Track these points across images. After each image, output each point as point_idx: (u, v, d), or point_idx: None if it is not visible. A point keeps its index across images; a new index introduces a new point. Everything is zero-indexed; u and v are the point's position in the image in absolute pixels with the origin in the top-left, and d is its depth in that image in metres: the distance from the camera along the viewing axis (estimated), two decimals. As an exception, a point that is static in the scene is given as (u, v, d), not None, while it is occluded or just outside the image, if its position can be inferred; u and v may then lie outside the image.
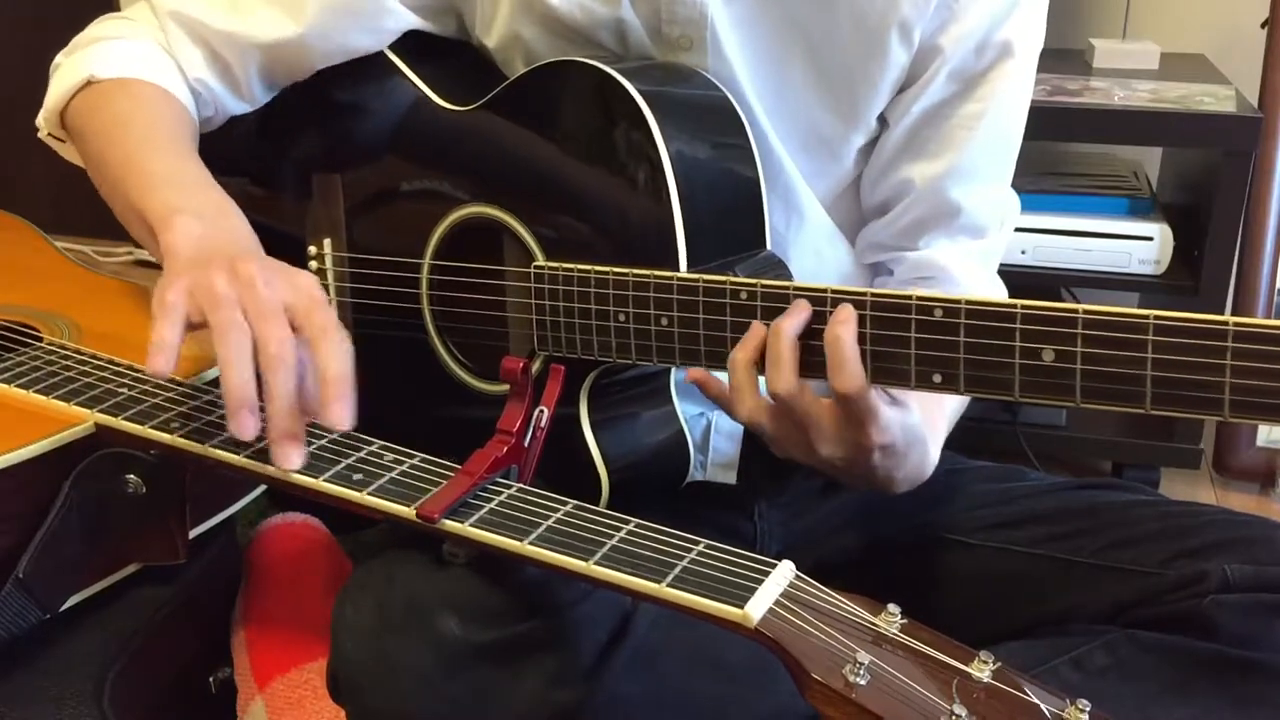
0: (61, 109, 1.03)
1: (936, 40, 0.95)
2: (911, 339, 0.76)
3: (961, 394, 0.76)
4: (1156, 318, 0.68)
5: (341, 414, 0.76)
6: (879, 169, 1.02)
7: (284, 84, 1.07)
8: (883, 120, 1.01)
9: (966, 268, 1.02)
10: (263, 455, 0.80)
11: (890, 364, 0.77)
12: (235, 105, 1.07)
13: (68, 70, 1.03)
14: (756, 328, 0.81)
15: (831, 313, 0.78)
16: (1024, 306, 0.73)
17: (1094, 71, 1.76)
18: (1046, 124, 1.54)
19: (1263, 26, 1.70)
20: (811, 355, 0.79)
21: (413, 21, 1.02)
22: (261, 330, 0.77)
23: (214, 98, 1.06)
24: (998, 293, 1.06)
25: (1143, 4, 1.89)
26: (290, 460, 0.77)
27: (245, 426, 0.76)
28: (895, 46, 0.95)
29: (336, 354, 0.77)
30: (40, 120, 1.05)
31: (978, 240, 1.03)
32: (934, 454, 0.89)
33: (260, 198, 1.13)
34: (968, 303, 0.74)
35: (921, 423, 0.84)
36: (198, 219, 0.87)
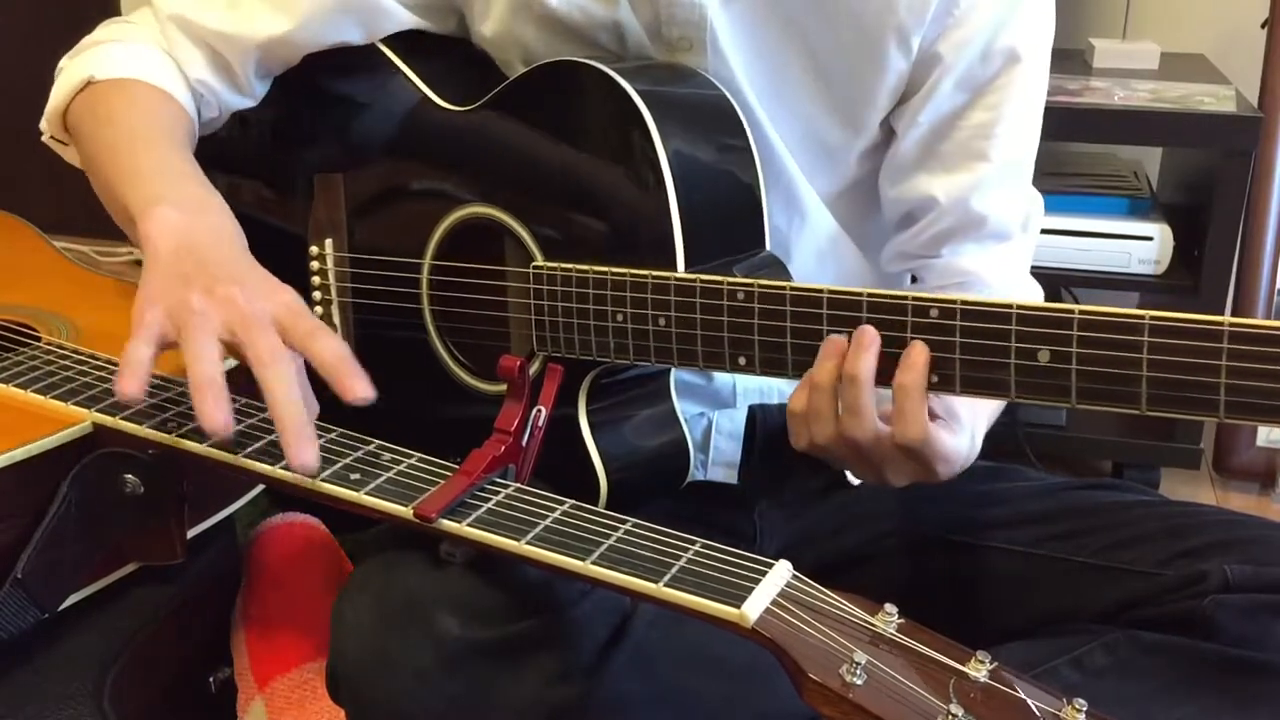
0: (63, 111, 1.03)
1: (936, 48, 0.95)
2: (908, 340, 0.76)
3: (958, 394, 0.76)
4: (1152, 318, 0.68)
5: (359, 387, 0.76)
6: (897, 181, 1.01)
7: (279, 72, 1.08)
8: (889, 129, 1.01)
9: (996, 271, 1.01)
10: (261, 455, 0.80)
11: (886, 365, 0.77)
12: (237, 101, 1.08)
13: (70, 72, 1.04)
14: (836, 342, 0.78)
15: (850, 333, 0.78)
16: (1019, 307, 0.73)
17: (1094, 71, 1.76)
18: (1046, 124, 1.51)
19: (1263, 26, 1.70)
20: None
21: (408, 20, 1.03)
22: (252, 339, 0.78)
23: (216, 97, 1.06)
24: (1031, 292, 1.05)
25: (1143, 4, 1.89)
26: (307, 457, 0.76)
27: (216, 422, 0.75)
28: (893, 53, 0.95)
29: (330, 344, 0.78)
30: (43, 124, 1.06)
31: (1003, 243, 1.02)
32: (978, 447, 0.89)
33: (262, 200, 1.14)
34: (963, 303, 0.74)
35: (968, 424, 0.84)
36: (177, 210, 0.86)
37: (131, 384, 0.77)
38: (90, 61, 1.03)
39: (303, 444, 0.76)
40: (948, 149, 0.99)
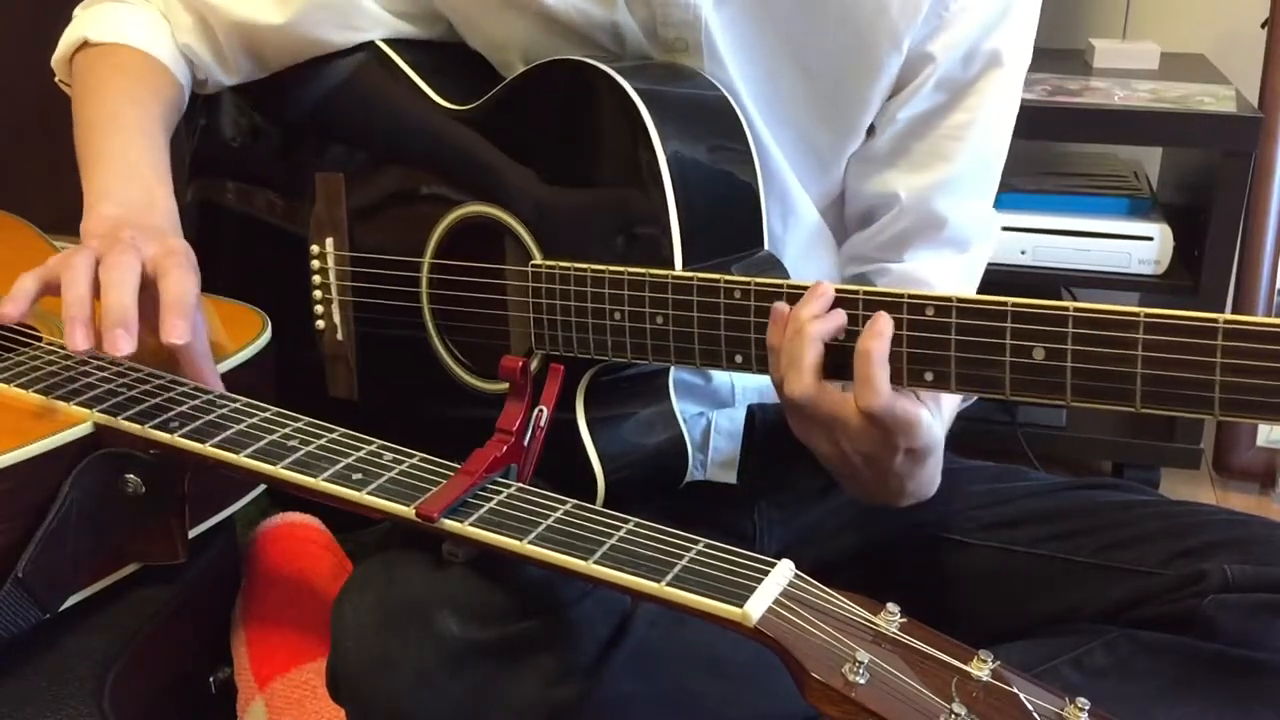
0: (66, 61, 1.08)
1: (926, 47, 0.95)
2: (904, 337, 0.76)
3: (953, 392, 0.76)
4: (1147, 315, 0.68)
5: (177, 328, 0.83)
6: (863, 177, 1.01)
7: (275, 66, 1.09)
8: (870, 128, 1.01)
9: (950, 281, 1.02)
10: (261, 455, 0.80)
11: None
12: (222, 76, 1.11)
13: (75, 26, 1.08)
14: (826, 289, 0.78)
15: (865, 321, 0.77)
16: (1014, 304, 0.73)
17: (1094, 71, 1.76)
18: (1046, 124, 1.54)
19: (1263, 26, 1.70)
20: (836, 358, 0.78)
21: (389, 24, 1.04)
22: (108, 258, 0.84)
23: (202, 64, 1.09)
24: None
25: (1143, 4, 1.89)
26: (119, 347, 0.82)
27: (75, 337, 0.82)
28: (885, 54, 0.95)
29: (178, 283, 0.85)
30: (53, 64, 1.10)
31: (961, 254, 1.03)
32: (939, 433, 0.88)
33: (264, 199, 1.14)
34: (959, 300, 0.74)
35: (930, 402, 0.83)
36: (120, 207, 0.93)
37: (8, 306, 0.85)
38: (90, 21, 1.07)
39: (116, 335, 0.82)
40: (919, 147, 0.99)
